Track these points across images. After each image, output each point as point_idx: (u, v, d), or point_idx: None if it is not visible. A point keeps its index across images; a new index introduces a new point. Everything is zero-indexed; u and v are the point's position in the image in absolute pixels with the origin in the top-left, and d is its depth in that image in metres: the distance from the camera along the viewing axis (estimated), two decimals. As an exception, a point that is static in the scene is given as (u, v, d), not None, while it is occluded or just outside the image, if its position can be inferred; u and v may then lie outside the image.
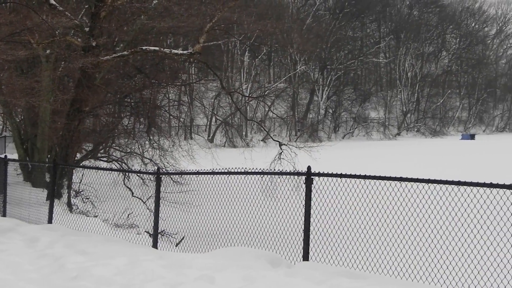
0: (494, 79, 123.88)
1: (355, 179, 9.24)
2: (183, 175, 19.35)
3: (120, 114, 30.38)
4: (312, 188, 9.65)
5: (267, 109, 77.30)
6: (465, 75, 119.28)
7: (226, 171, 10.61)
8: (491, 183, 7.80)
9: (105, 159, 26.81)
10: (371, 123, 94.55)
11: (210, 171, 11.09)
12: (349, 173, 9.32)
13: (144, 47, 20.60)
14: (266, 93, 70.82)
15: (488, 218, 9.05)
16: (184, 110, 64.56)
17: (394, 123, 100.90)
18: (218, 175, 10.90)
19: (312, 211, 9.70)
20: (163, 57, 25.29)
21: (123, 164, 26.38)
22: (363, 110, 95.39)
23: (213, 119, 72.70)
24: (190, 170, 11.64)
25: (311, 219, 9.70)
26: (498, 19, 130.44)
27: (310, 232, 9.58)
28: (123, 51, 21.32)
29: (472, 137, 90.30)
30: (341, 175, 9.29)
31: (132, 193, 21.67)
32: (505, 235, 8.83)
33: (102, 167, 16.60)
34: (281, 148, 21.02)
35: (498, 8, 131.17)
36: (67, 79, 27.09)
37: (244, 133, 73.53)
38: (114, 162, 26.38)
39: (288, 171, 10.66)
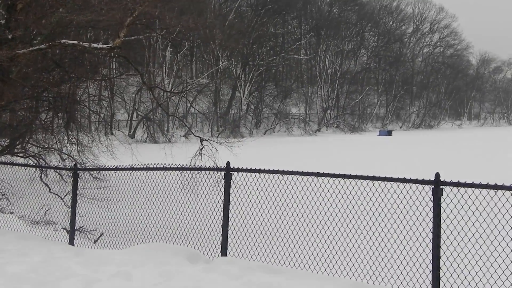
0: (411, 76, 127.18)
1: (274, 174, 9.36)
2: (102, 171, 19.06)
3: (37, 108, 29.69)
4: (231, 184, 9.66)
5: (189, 105, 76.90)
6: (383, 73, 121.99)
7: (145, 167, 10.49)
8: (404, 178, 7.95)
9: (21, 154, 26.16)
10: (292, 119, 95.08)
11: (129, 167, 10.94)
12: (268, 169, 9.40)
13: (62, 41, 20.15)
14: (188, 89, 70.34)
15: (401, 212, 9.31)
16: (104, 105, 63.52)
17: (314, 119, 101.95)
18: (137, 171, 10.76)
19: (231, 207, 9.75)
20: (83, 51, 24.85)
21: (41, 160, 25.81)
22: (284, 106, 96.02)
23: (134, 114, 71.81)
24: (109, 166, 11.43)
25: (230, 215, 9.75)
26: (415, 18, 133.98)
27: (229, 228, 9.63)
28: (40, 44, 20.82)
29: (389, 133, 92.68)
30: (259, 171, 9.37)
31: (50, 189, 21.25)
32: (410, 228, 9.09)
33: (18, 162, 16.20)
34: (202, 144, 20.95)
35: (415, 7, 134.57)
36: (-19, 72, 26.26)
37: (165, 128, 72.84)
38: (31, 157, 25.77)
39: (209, 166, 10.64)
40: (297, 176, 9.04)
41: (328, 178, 8.66)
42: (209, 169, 10.23)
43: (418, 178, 7.83)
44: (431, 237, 7.63)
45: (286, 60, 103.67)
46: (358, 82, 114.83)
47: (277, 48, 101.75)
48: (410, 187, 8.47)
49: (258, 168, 9.47)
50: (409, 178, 7.93)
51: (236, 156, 22.91)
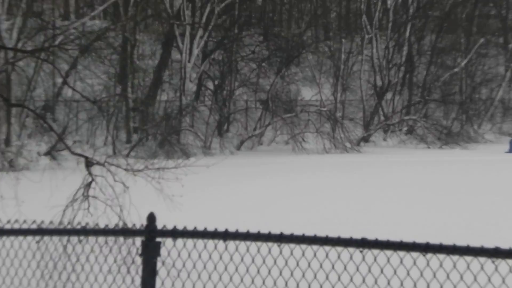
0: None
1: (254, 242, 5.24)
2: None
3: None
4: (158, 263, 5.17)
5: (60, 81, 36.11)
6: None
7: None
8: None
9: None
10: (304, 114, 41.97)
11: None
12: (247, 231, 5.22)
13: None
14: (58, 43, 30.86)
15: None
16: None
17: (355, 114, 46.82)
18: None
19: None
20: None
21: None
22: (286, 84, 44.40)
23: None
24: None
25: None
26: None
27: None
28: None
29: None
30: (225, 235, 5.24)
31: None
32: None
33: None
34: (90, 173, 10.50)
35: None
36: None
37: (3, 138, 29.46)
38: None
39: (106, 226, 5.57)
40: (299, 245, 4.78)
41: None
42: (107, 231, 5.44)
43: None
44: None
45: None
46: (458, 27, 51.46)
47: None
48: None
49: (223, 230, 5.23)
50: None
51: (172, 201, 11.94)
